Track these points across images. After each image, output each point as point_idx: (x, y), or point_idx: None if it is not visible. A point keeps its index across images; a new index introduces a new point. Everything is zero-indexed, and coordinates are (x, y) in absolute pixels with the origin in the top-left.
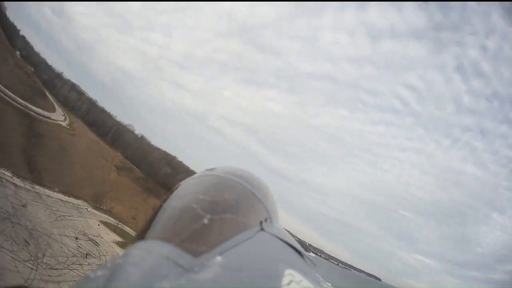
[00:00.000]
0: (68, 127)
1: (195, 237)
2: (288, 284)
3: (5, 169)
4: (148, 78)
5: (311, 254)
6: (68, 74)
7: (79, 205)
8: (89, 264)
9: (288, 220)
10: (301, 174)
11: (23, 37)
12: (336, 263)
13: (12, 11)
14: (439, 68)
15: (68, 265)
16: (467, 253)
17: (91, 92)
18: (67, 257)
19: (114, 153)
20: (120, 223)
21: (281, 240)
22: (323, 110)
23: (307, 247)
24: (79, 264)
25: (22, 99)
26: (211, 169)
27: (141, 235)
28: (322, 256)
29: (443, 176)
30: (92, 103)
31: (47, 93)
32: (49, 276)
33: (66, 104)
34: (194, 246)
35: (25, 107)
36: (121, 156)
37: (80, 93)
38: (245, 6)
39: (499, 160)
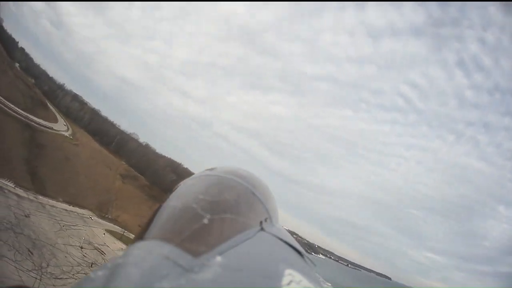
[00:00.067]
0: (71, 137)
1: (195, 237)
2: (288, 284)
3: (7, 179)
4: (151, 87)
5: (321, 256)
6: (70, 85)
7: (84, 214)
8: None
9: (296, 223)
10: (308, 176)
11: (22, 49)
12: (346, 264)
13: (9, 23)
14: (440, 64)
15: (73, 275)
16: (475, 248)
17: (94, 102)
18: (72, 266)
19: (118, 161)
20: (126, 231)
21: (281, 240)
22: (327, 112)
23: (316, 249)
24: (84, 273)
25: (23, 110)
26: (211, 169)
27: (141, 235)
28: (332, 257)
29: (449, 172)
30: (94, 113)
31: (48, 104)
32: (53, 285)
33: (68, 115)
34: (194, 246)
35: (26, 118)
36: (126, 165)
37: (82, 103)
38: (243, 11)
39: (503, 153)
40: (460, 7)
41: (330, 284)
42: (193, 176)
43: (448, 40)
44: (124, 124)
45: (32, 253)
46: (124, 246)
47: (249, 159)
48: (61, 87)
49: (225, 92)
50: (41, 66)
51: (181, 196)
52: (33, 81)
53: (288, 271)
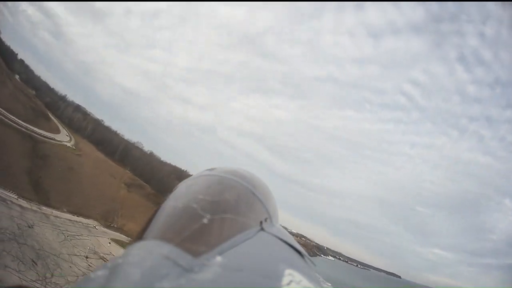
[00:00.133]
0: (74, 148)
1: (195, 237)
2: (288, 284)
3: (9, 191)
4: (153, 95)
5: (330, 257)
6: (72, 96)
7: (89, 224)
8: None
9: (305, 225)
10: (314, 179)
11: (22, 61)
12: (355, 265)
13: (7, 35)
14: (441, 60)
15: None
16: (482, 242)
17: (97, 112)
18: (77, 276)
19: (122, 170)
20: (132, 240)
21: (281, 240)
22: (330, 113)
23: (326, 251)
24: None
25: (24, 121)
26: (211, 169)
27: (141, 235)
28: (341, 258)
29: (454, 168)
30: (97, 123)
31: (50, 115)
32: None
33: (71, 125)
34: (194, 246)
35: (27, 129)
36: (130, 173)
37: (85, 114)
38: (242, 15)
39: (507, 146)
40: (457, 1)
41: (330, 284)
42: (193, 176)
43: (448, 35)
44: (128, 133)
45: (36, 264)
46: None
47: (253, 163)
48: (62, 98)
49: (227, 98)
50: (42, 78)
51: (181, 196)
52: (34, 92)
53: (288, 271)
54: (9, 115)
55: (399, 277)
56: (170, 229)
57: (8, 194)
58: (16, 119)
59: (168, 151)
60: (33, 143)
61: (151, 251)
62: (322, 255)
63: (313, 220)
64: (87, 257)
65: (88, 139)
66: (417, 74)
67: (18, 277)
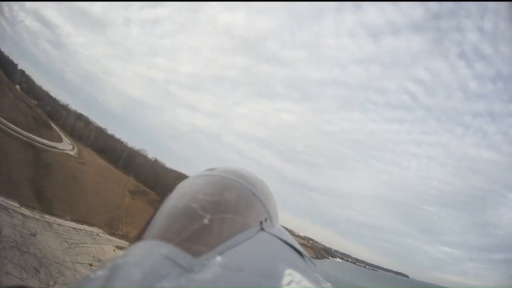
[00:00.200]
0: (77, 156)
1: (195, 237)
2: (288, 284)
3: (12, 199)
4: (158, 103)
5: (338, 259)
6: (75, 105)
7: (93, 232)
8: None
9: (313, 228)
10: (322, 182)
11: (22, 71)
12: (363, 266)
13: (6, 46)
14: (443, 57)
15: None
16: (489, 237)
17: (100, 121)
18: None
19: (126, 178)
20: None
21: (281, 240)
22: (336, 116)
23: (333, 253)
24: None
25: (26, 130)
26: (211, 169)
27: (141, 235)
28: (349, 260)
29: (460, 165)
30: (100, 131)
31: (52, 124)
32: None
33: (73, 134)
34: (194, 246)
35: (29, 138)
36: (134, 180)
37: (88, 122)
38: (243, 21)
39: (511, 140)
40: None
41: (330, 284)
42: (193, 176)
43: (448, 32)
44: (132, 141)
45: (38, 271)
46: None
47: (260, 168)
48: (64, 107)
49: (231, 103)
50: (43, 88)
51: (181, 196)
52: (35, 102)
53: (288, 271)
54: (10, 124)
55: (407, 276)
56: (170, 229)
57: (10, 202)
58: (17, 128)
59: (173, 158)
60: (35, 152)
61: (151, 251)
62: (330, 258)
63: (320, 222)
64: (91, 265)
65: (91, 147)
66: (420, 72)
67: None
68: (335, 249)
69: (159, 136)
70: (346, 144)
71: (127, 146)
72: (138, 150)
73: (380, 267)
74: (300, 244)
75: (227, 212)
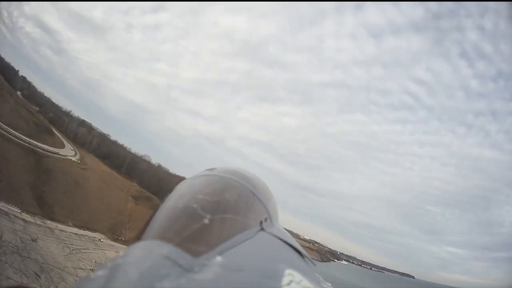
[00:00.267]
0: (79, 162)
1: (195, 237)
2: (288, 284)
3: (12, 205)
4: (161, 108)
5: (343, 262)
6: (77, 112)
7: (95, 237)
8: None
9: (318, 231)
10: (326, 184)
11: (23, 78)
12: (369, 268)
13: (7, 52)
14: (444, 57)
15: None
16: (493, 236)
17: (103, 127)
18: None
19: (129, 183)
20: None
21: (281, 240)
22: (338, 118)
23: (339, 255)
24: None
25: (27, 136)
26: (211, 169)
27: (141, 235)
28: (355, 262)
29: (462, 165)
30: (103, 137)
31: (54, 130)
32: None
33: (76, 140)
34: (194, 246)
35: (30, 144)
36: (137, 186)
37: (90, 128)
38: (244, 25)
39: None
40: None
41: (330, 284)
42: (193, 176)
43: (448, 31)
44: (135, 146)
45: (39, 277)
46: None
47: (264, 171)
48: (67, 113)
49: (234, 107)
50: (45, 94)
51: (181, 196)
52: (37, 108)
53: (288, 271)
54: (11, 130)
55: (413, 277)
56: (170, 229)
57: (11, 208)
58: (18, 134)
59: (176, 163)
60: (36, 158)
61: (151, 251)
62: (335, 260)
63: (325, 225)
64: (93, 271)
65: (94, 153)
66: (421, 72)
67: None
68: (340, 251)
69: (162, 142)
70: (348, 146)
71: (130, 152)
72: (142, 155)
73: (386, 268)
74: (306, 247)
75: (227, 212)
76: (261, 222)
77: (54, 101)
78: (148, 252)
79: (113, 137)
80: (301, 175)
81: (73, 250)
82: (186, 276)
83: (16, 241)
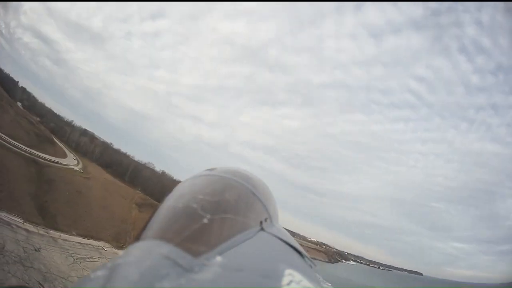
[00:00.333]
0: (82, 171)
1: (195, 237)
2: (288, 284)
3: (14, 215)
4: (162, 116)
5: (351, 262)
6: (78, 121)
7: (100, 246)
8: None
9: (324, 232)
10: (329, 185)
11: (23, 88)
12: (377, 267)
13: (6, 64)
14: (443, 53)
15: None
16: (498, 229)
17: (105, 136)
18: None
19: (133, 191)
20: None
21: (281, 240)
22: (340, 118)
23: (346, 256)
24: None
25: (28, 147)
26: (211, 169)
27: (141, 235)
28: (363, 262)
29: (465, 160)
30: (105, 146)
31: (55, 140)
32: None
33: (78, 149)
34: (194, 246)
35: (32, 154)
36: (141, 193)
37: (92, 137)
38: (243, 29)
39: None
40: None
41: (329, 284)
42: (193, 176)
43: (447, 28)
44: (137, 154)
45: (43, 286)
46: None
47: (268, 175)
48: (69, 123)
49: (235, 112)
50: (46, 105)
51: (181, 196)
52: (38, 119)
53: (288, 271)
54: (11, 140)
55: (421, 274)
56: (170, 229)
57: (13, 218)
58: (18, 144)
59: (181, 169)
60: (37, 168)
61: (151, 251)
62: (343, 261)
63: (331, 227)
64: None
65: (96, 162)
66: (421, 70)
67: None
68: (348, 252)
69: (165, 149)
70: (351, 147)
71: (133, 160)
72: (146, 163)
73: (394, 267)
74: (313, 249)
75: (227, 212)
76: (261, 222)
77: (55, 111)
78: (148, 252)
79: (116, 145)
80: (305, 177)
81: (77, 259)
82: (186, 276)
83: (19, 251)
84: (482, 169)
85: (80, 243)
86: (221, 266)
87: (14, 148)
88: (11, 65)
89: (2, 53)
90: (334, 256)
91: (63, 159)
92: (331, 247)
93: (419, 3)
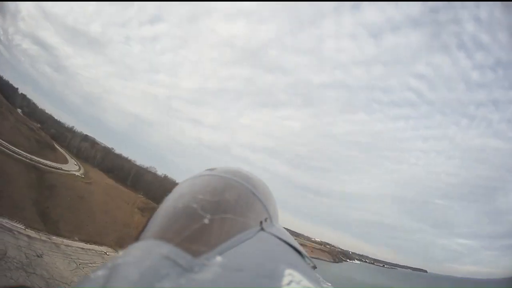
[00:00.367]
0: (83, 176)
1: (195, 237)
2: (288, 284)
3: (16, 221)
4: (163, 120)
5: (356, 261)
6: (79, 127)
7: (102, 251)
8: None
9: (328, 232)
10: (332, 185)
11: (23, 95)
12: (382, 265)
13: (4, 69)
14: (443, 50)
15: None
16: (500, 224)
17: (106, 141)
18: None
19: (135, 195)
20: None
21: (281, 240)
22: (341, 118)
23: (351, 255)
24: None
25: (29, 153)
26: (211, 169)
27: (141, 235)
28: (367, 261)
29: (467, 156)
30: (107, 151)
31: (56, 146)
32: None
33: (79, 155)
34: (194, 246)
35: (32, 160)
36: (143, 198)
37: (93, 143)
38: (243, 31)
39: None
40: None
41: (329, 284)
42: (193, 176)
43: (445, 24)
44: (140, 159)
45: None
46: None
47: (270, 176)
48: (69, 129)
49: (236, 115)
50: (46, 111)
51: (181, 196)
52: (38, 125)
53: (288, 271)
54: (12, 147)
55: (425, 271)
56: (170, 229)
57: (14, 224)
58: (19, 151)
59: (182, 173)
60: (38, 174)
61: (151, 251)
62: (348, 260)
63: (335, 226)
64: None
65: (98, 167)
66: (421, 67)
67: None
68: (352, 251)
69: (166, 153)
70: (353, 146)
71: (135, 164)
72: (147, 167)
73: (398, 264)
74: (318, 249)
75: (227, 212)
76: (261, 222)
77: (55, 117)
78: (148, 252)
79: (117, 150)
80: (307, 178)
81: (79, 264)
82: (186, 276)
83: (21, 257)
84: (483, 165)
85: (82, 248)
86: (221, 266)
87: (15, 155)
88: (11, 71)
89: (1, 59)
90: (339, 255)
91: (64, 165)
92: (336, 247)
93: (416, 1)
